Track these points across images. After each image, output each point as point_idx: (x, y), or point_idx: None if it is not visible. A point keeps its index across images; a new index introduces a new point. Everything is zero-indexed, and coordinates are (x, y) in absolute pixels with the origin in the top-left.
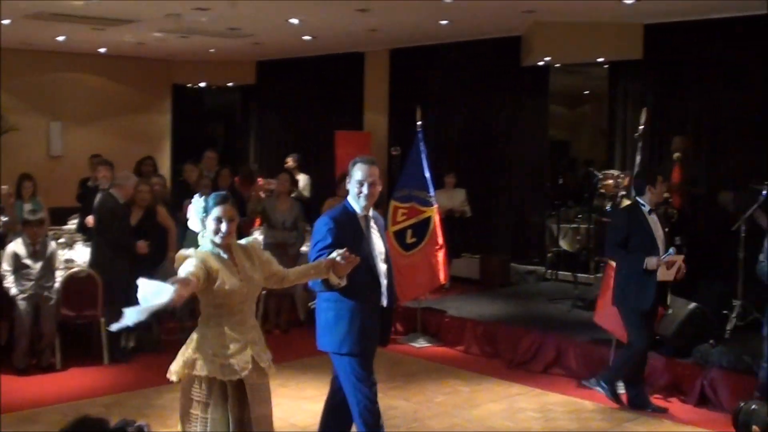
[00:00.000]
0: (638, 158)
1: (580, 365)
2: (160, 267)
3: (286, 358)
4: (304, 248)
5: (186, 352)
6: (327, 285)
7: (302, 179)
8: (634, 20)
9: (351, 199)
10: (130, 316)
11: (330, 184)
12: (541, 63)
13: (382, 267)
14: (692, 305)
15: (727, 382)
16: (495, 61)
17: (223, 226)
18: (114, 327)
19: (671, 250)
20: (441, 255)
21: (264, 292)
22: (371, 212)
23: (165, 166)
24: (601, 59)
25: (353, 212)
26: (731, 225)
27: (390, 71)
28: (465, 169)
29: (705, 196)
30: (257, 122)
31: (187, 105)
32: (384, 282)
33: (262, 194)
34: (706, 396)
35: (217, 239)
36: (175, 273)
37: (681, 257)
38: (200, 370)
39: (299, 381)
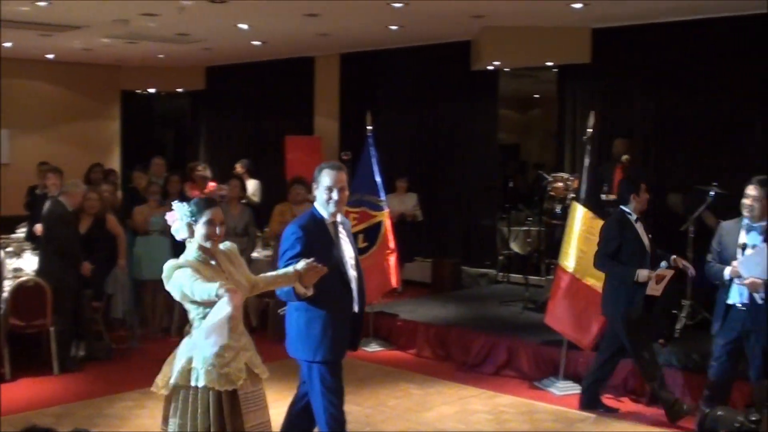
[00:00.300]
0: (587, 161)
1: (532, 367)
2: (110, 275)
3: None
4: (254, 254)
5: (179, 363)
6: (295, 294)
7: (252, 185)
8: (583, 24)
9: (319, 206)
10: (213, 341)
11: (281, 190)
12: (490, 67)
13: (353, 273)
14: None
15: (678, 381)
16: (445, 65)
17: (218, 230)
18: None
19: (663, 264)
20: (392, 259)
21: None
22: (339, 218)
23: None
24: (550, 63)
25: (321, 219)
26: (680, 226)
27: (340, 76)
28: (416, 174)
29: (654, 198)
30: (207, 128)
31: (136, 111)
32: (355, 288)
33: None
34: (657, 396)
35: (209, 243)
36: (126, 281)
37: (671, 272)
38: (197, 381)
39: None
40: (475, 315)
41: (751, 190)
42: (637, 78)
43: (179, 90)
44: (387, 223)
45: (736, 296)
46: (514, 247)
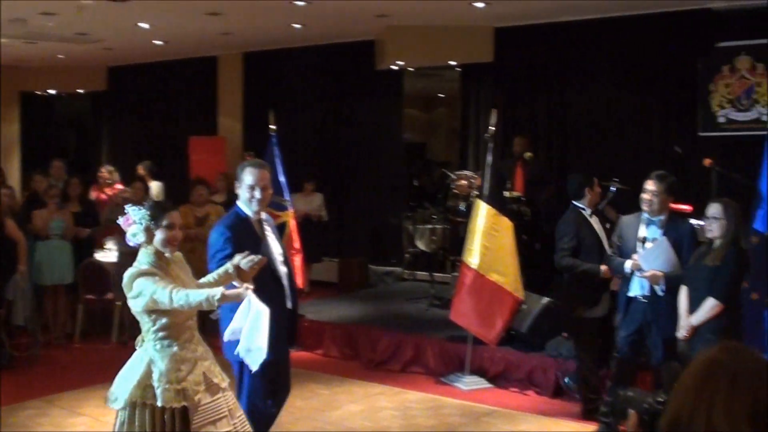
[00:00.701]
0: (489, 159)
1: (438, 362)
2: (10, 281)
3: None
4: None
5: (134, 378)
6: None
7: (155, 187)
8: (485, 23)
9: (242, 204)
10: (261, 351)
11: (185, 191)
12: (394, 67)
13: (283, 269)
14: (545, 300)
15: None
16: (350, 65)
17: (178, 233)
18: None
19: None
20: (298, 260)
21: (119, 302)
22: (263, 215)
23: (15, 177)
24: (453, 62)
25: (246, 217)
26: None
27: (244, 75)
28: (322, 173)
29: (557, 194)
30: (110, 129)
31: (36, 113)
32: (286, 284)
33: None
34: (561, 388)
35: (168, 249)
36: (27, 287)
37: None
38: (153, 399)
39: None
40: (381, 313)
41: (650, 185)
42: (539, 76)
43: (80, 91)
44: (292, 224)
45: (637, 289)
46: (420, 244)
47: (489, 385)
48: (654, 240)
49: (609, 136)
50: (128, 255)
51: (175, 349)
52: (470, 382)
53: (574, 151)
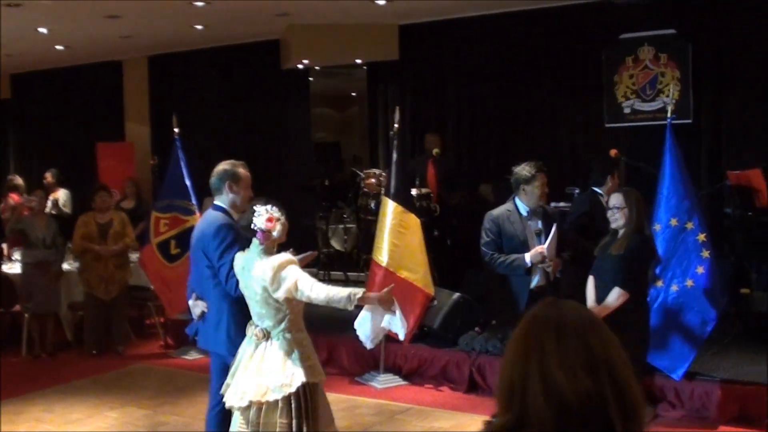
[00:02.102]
0: (395, 156)
1: (352, 362)
2: None
3: (54, 382)
4: (65, 266)
5: (297, 363)
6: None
7: (62, 194)
8: (389, 21)
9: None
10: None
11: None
12: (300, 66)
13: None
14: (456, 295)
15: (494, 368)
16: (255, 65)
17: None
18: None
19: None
20: None
21: (27, 314)
22: None
23: None
24: (359, 61)
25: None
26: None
27: (149, 79)
28: None
29: (466, 189)
30: (15, 137)
31: None
32: None
33: (25, 212)
34: (475, 382)
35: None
36: None
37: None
38: (314, 377)
39: (66, 404)
40: None
41: (542, 178)
42: (446, 73)
43: None
44: None
45: (540, 279)
46: (334, 244)
47: (404, 383)
48: (546, 231)
49: (517, 131)
50: (33, 266)
51: (303, 334)
52: (385, 381)
53: (483, 146)
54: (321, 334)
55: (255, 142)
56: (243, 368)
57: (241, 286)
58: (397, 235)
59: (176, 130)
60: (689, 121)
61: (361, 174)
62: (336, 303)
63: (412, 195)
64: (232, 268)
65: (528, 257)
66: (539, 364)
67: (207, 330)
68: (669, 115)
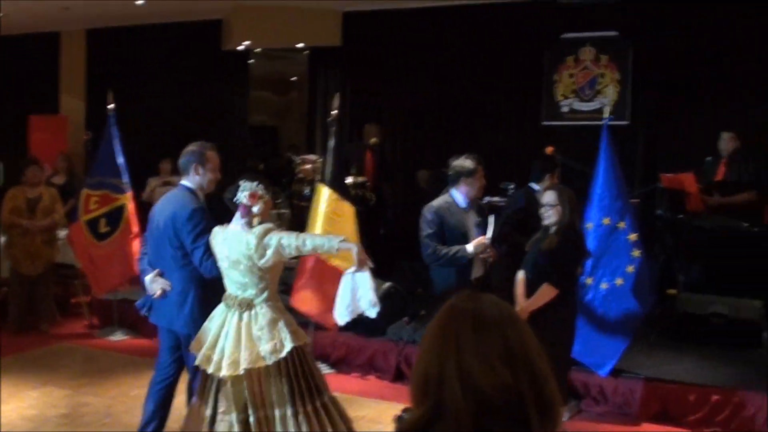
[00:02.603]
0: (332, 143)
1: None
2: None
3: None
4: None
5: (284, 329)
6: None
7: None
8: (333, 7)
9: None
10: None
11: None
12: (240, 48)
13: None
14: (386, 285)
15: None
16: (196, 44)
17: None
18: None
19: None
20: (136, 244)
21: None
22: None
23: None
24: (301, 45)
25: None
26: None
27: (87, 53)
28: (166, 156)
29: (403, 178)
30: None
31: None
32: None
33: None
34: (402, 372)
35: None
36: None
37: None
38: (300, 340)
39: None
40: None
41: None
42: (388, 62)
43: None
44: (130, 207)
45: (477, 269)
46: None
47: (331, 371)
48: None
49: (455, 124)
50: None
51: (280, 303)
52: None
53: (421, 137)
54: None
55: (192, 122)
56: (230, 338)
57: (221, 258)
58: (330, 222)
59: (111, 106)
60: (626, 122)
61: (297, 159)
62: (321, 249)
63: (347, 183)
64: (206, 251)
65: (471, 247)
66: (456, 356)
67: (166, 308)
68: (606, 115)
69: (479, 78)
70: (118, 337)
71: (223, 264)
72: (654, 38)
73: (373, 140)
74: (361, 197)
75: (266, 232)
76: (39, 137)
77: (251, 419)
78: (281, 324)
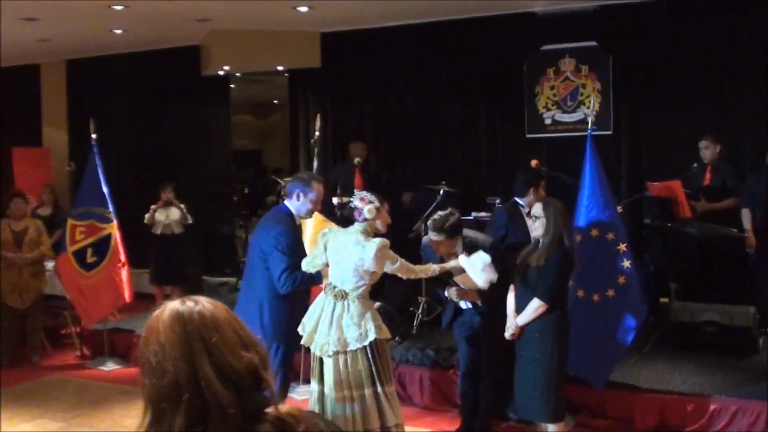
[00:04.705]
0: (315, 164)
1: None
2: None
3: None
4: None
5: (369, 322)
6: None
7: None
8: (311, 28)
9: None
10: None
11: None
12: (221, 72)
13: None
14: (376, 305)
15: (414, 377)
16: (176, 70)
17: None
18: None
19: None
20: (124, 272)
21: None
22: None
23: None
24: (281, 68)
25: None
26: (412, 224)
27: (68, 84)
28: (150, 183)
29: (386, 196)
30: None
31: None
32: None
33: None
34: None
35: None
36: None
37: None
38: (382, 334)
39: None
40: None
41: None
42: (368, 81)
43: None
44: (116, 235)
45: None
46: None
47: None
48: None
49: (438, 140)
50: None
51: (370, 301)
52: (304, 392)
53: (405, 155)
54: None
55: (174, 148)
56: (324, 324)
57: (333, 253)
58: (316, 243)
59: (94, 135)
60: (609, 132)
61: (282, 182)
62: (424, 276)
63: (334, 203)
64: (285, 269)
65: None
66: (209, 358)
67: (246, 317)
68: (589, 126)
69: (461, 93)
70: (110, 366)
71: (333, 257)
72: (633, 47)
73: (357, 159)
74: (348, 217)
75: (385, 248)
76: (23, 170)
77: (342, 395)
78: (368, 317)
